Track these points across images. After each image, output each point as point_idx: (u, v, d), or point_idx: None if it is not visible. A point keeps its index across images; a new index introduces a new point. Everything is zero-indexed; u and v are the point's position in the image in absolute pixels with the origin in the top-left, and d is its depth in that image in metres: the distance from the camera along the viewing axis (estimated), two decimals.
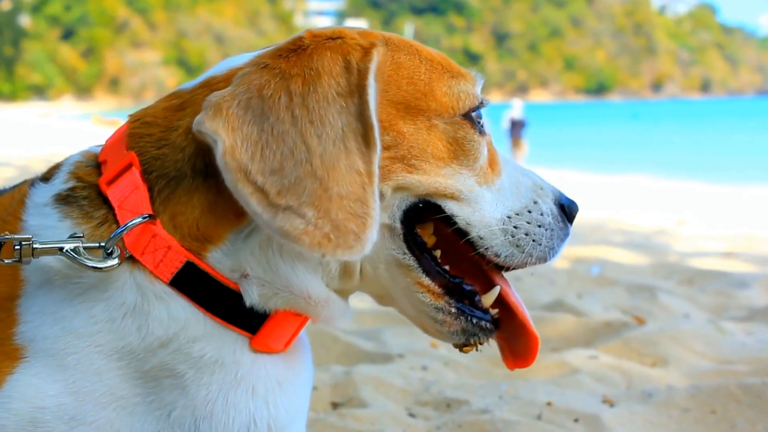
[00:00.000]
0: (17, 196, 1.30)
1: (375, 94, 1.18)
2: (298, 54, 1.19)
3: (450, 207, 1.26)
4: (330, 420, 2.12)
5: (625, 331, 3.09)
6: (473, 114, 1.31)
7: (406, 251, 1.26)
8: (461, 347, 1.33)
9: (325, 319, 1.30)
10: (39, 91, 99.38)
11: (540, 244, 1.30)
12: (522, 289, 4.03)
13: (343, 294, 1.32)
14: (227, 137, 1.11)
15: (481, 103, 1.32)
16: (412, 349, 2.79)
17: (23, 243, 1.16)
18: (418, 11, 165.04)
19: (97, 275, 1.18)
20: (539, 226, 1.30)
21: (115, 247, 1.18)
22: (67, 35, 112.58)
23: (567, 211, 1.36)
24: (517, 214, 1.29)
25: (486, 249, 1.27)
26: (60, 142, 18.58)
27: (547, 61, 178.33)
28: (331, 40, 1.21)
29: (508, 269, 1.33)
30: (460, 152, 1.27)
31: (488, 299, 1.32)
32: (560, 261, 5.11)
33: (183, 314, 1.19)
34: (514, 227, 1.28)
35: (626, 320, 3.24)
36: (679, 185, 15.26)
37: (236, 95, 1.15)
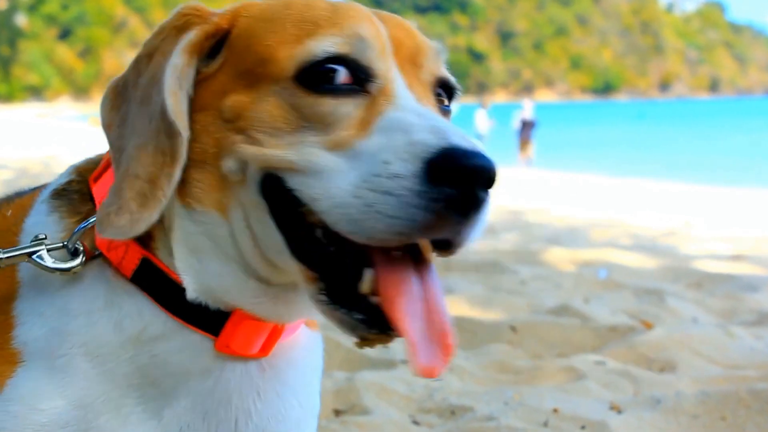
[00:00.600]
0: (34, 196, 1.32)
1: (176, 74, 1.14)
2: (157, 31, 1.22)
3: (292, 180, 1.11)
4: (332, 427, 2.11)
5: (633, 336, 3.06)
6: (325, 70, 1.12)
7: (276, 229, 1.14)
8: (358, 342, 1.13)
9: (279, 316, 1.21)
10: (36, 92, 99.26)
11: (388, 216, 1.02)
12: (527, 293, 4.00)
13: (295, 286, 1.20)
14: (106, 114, 1.21)
15: (328, 56, 1.12)
16: None
17: None
18: (421, 10, 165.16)
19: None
20: (386, 193, 1.03)
21: (80, 246, 1.19)
22: (65, 35, 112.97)
23: (433, 168, 1.01)
24: (365, 182, 1.05)
25: (334, 225, 1.07)
26: (58, 144, 18.65)
27: (553, 61, 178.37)
28: (182, 16, 1.20)
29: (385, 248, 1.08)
30: (300, 118, 1.12)
31: (365, 285, 1.10)
32: (566, 264, 5.08)
33: (146, 312, 1.18)
34: (357, 197, 1.05)
35: (634, 325, 3.21)
36: (687, 187, 15.21)
37: (124, 74, 1.22)
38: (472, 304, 3.56)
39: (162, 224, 1.19)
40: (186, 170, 1.15)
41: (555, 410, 2.26)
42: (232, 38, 1.19)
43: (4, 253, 1.17)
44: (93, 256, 1.20)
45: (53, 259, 1.18)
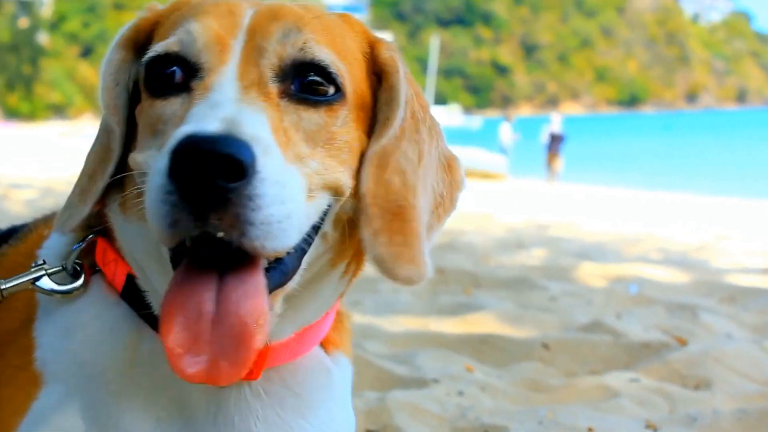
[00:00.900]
0: None
1: (110, 69, 1.19)
2: None
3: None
4: None
5: (667, 352, 3.01)
6: (169, 73, 1.10)
7: None
8: None
9: None
10: (58, 110, 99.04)
11: (150, 212, 0.98)
12: (557, 309, 3.96)
13: None
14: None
15: (155, 56, 1.09)
16: (447, 374, 2.74)
17: None
18: (444, 23, 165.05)
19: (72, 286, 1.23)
20: (149, 190, 0.98)
21: (82, 266, 1.23)
22: (86, 53, 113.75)
23: (173, 159, 0.94)
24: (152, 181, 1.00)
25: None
26: (82, 163, 18.81)
27: (578, 73, 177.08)
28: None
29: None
30: (151, 121, 1.11)
31: None
32: (596, 279, 5.03)
33: (136, 326, 1.19)
34: (148, 197, 0.99)
35: (667, 341, 3.16)
36: (717, 200, 14.98)
37: None
38: (502, 321, 3.54)
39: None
40: (126, 182, 1.18)
41: (590, 429, 2.24)
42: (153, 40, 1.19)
43: (6, 283, 1.20)
44: (92, 272, 1.22)
45: (55, 282, 1.21)
